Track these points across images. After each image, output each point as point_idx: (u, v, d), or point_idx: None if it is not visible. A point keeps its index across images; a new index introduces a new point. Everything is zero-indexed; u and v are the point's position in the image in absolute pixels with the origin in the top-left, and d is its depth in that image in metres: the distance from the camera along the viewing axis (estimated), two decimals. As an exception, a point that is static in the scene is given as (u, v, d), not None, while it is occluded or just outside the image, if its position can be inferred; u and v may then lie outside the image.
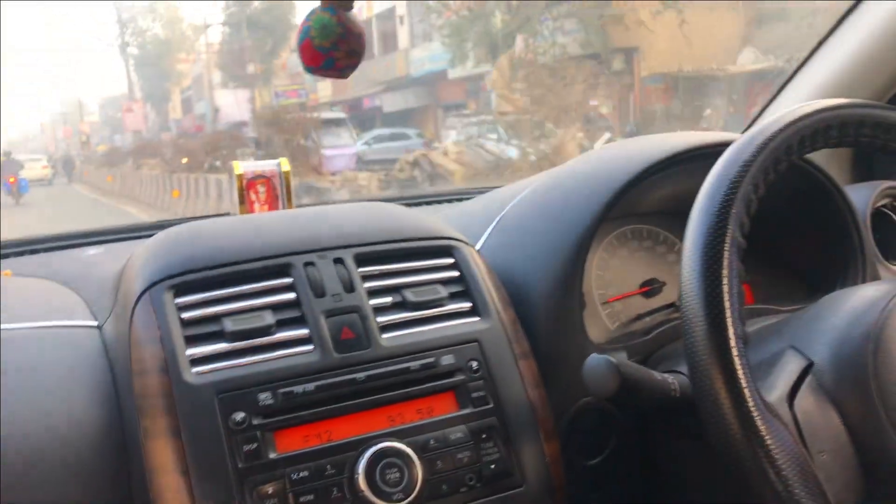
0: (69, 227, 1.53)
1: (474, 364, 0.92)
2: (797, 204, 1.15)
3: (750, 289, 1.19)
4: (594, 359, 0.81)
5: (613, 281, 1.16)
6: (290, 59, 34.10)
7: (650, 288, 1.16)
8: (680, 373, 0.88)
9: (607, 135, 16.73)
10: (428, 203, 1.64)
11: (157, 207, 19.89)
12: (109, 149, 41.26)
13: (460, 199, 1.61)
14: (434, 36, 24.47)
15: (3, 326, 0.93)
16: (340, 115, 26.19)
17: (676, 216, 1.09)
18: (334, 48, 0.87)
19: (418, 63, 26.16)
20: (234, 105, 33.46)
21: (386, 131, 24.59)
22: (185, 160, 23.83)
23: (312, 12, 0.88)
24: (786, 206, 1.14)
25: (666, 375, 0.84)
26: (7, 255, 1.33)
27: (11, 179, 23.35)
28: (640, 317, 1.14)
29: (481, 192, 1.51)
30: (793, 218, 1.18)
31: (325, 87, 32.02)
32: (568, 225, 1.03)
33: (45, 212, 19.25)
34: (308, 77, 33.70)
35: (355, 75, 1.09)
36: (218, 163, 21.91)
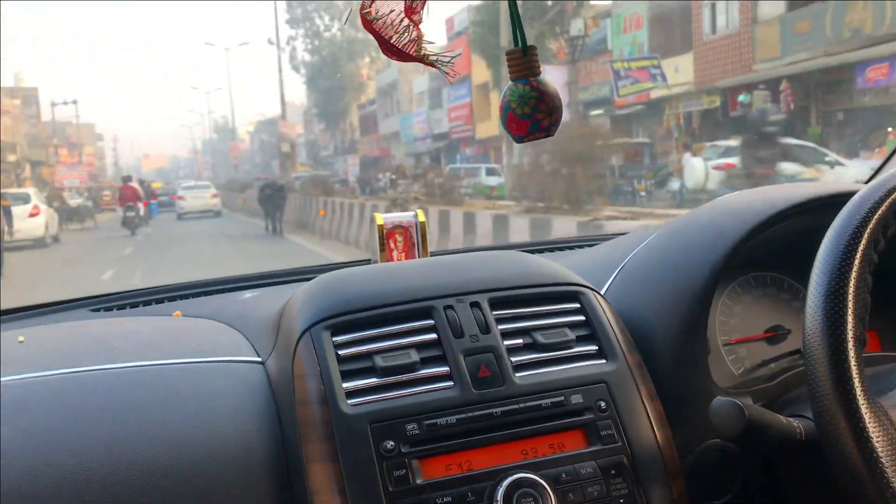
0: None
1: (602, 404, 0.96)
2: None
3: (877, 336, 1.19)
4: (720, 401, 0.85)
5: (738, 327, 1.17)
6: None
7: (775, 334, 1.16)
8: (805, 417, 0.91)
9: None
10: (552, 250, 1.69)
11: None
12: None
13: (582, 247, 1.68)
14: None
15: (179, 361, 1.05)
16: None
17: (801, 264, 1.03)
18: (535, 111, 0.93)
19: None
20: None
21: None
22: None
23: (507, 89, 0.94)
24: None
25: (791, 419, 0.88)
26: (174, 298, 1.45)
27: (145, 203, 24.06)
28: (765, 363, 1.14)
29: (605, 239, 1.60)
30: None
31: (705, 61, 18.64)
32: (691, 273, 1.07)
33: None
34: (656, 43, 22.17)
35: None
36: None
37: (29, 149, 39.40)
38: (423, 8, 0.90)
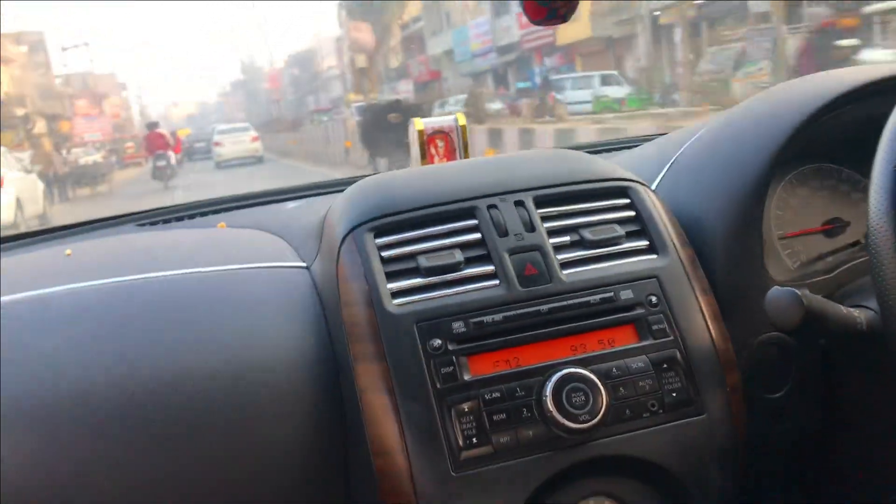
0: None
1: (653, 298, 0.94)
2: None
3: None
4: (777, 290, 0.84)
5: (794, 220, 1.13)
6: None
7: (833, 226, 1.12)
8: (866, 307, 0.89)
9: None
10: (600, 151, 1.60)
11: None
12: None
13: (633, 146, 1.56)
14: None
15: (224, 267, 1.05)
16: None
17: (861, 153, 0.99)
18: None
19: None
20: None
21: None
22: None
23: None
24: None
25: (851, 310, 0.86)
26: (218, 211, 1.45)
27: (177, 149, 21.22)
28: (822, 256, 1.11)
29: (652, 138, 1.47)
30: None
31: None
32: (745, 164, 1.03)
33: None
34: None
35: None
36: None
37: (42, 101, 35.05)
38: None
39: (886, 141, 0.75)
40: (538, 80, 21.05)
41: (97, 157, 22.74)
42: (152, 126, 20.37)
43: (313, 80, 61.25)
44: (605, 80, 17.86)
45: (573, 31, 24.79)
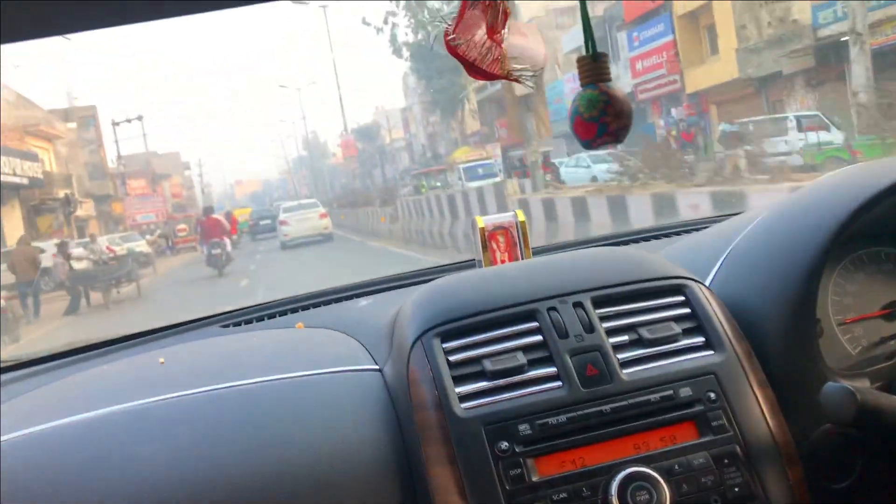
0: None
1: (712, 395, 0.96)
2: None
3: None
4: (830, 387, 0.86)
5: (853, 306, 1.13)
6: None
7: (892, 311, 1.12)
8: None
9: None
10: (657, 237, 1.66)
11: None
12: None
13: (689, 231, 1.63)
14: None
15: (303, 373, 1.10)
16: None
17: None
18: (603, 114, 0.94)
19: None
20: None
21: None
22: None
23: (577, 95, 0.96)
24: None
25: None
26: (296, 309, 1.52)
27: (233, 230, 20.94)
28: (883, 341, 1.10)
29: (711, 222, 1.54)
30: None
31: None
32: (797, 255, 1.05)
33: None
34: None
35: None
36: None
37: (91, 181, 31.88)
38: (504, 28, 0.88)
39: None
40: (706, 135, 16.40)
41: (139, 244, 18.90)
42: (207, 211, 19.82)
43: (379, 153, 58.11)
44: (803, 123, 13.11)
45: (709, 74, 20.19)
